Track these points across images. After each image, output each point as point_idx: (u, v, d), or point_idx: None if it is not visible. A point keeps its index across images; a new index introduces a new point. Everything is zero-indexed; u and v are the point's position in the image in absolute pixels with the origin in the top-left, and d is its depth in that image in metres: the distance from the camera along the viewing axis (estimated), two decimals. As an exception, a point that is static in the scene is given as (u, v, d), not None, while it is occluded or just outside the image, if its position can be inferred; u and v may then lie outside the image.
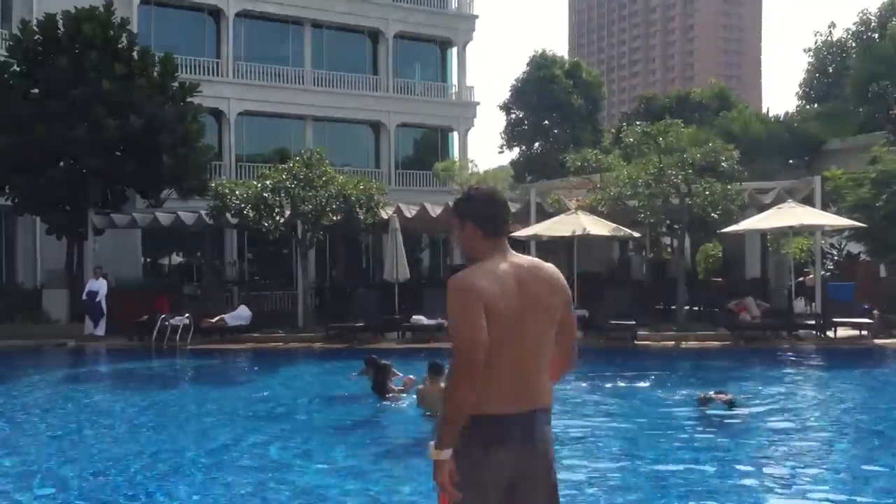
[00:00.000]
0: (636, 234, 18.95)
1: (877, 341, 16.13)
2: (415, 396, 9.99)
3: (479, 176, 33.32)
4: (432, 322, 17.69)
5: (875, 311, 16.82)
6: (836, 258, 23.57)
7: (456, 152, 35.42)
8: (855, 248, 22.92)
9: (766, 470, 7.24)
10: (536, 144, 43.71)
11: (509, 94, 44.74)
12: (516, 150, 45.12)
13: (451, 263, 30.56)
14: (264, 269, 28.56)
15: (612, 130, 42.32)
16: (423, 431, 8.99)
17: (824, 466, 7.54)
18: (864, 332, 16.63)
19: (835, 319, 16.87)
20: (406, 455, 8.14)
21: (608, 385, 12.02)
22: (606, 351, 16.09)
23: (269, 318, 20.62)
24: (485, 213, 3.35)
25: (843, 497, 6.47)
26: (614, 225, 18.10)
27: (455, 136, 35.85)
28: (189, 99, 22.47)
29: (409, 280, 19.59)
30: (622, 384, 12.19)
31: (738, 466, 7.39)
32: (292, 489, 6.91)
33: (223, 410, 10.88)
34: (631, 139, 18.38)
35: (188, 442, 8.89)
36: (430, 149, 35.71)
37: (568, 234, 17.39)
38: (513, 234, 19.33)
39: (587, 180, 18.77)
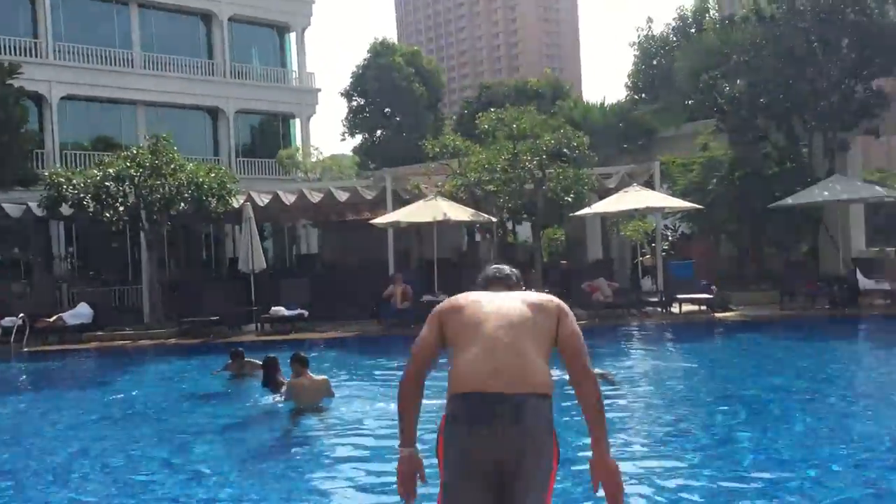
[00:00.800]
0: (494, 219, 19.31)
1: (716, 315, 17.29)
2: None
3: (324, 163, 32.91)
4: (293, 313, 17.27)
5: (713, 287, 18.03)
6: (670, 238, 25.08)
7: (298, 139, 34.67)
8: (686, 229, 24.51)
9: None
10: (379, 132, 43.60)
11: (350, 81, 44.33)
12: (359, 138, 44.81)
13: (298, 252, 30.02)
14: (97, 264, 26.80)
15: (454, 117, 42.93)
16: (296, 428, 8.73)
17: (694, 430, 8.07)
18: (704, 307, 17.79)
19: (678, 296, 17.95)
20: (280, 455, 7.66)
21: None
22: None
23: (111, 314, 19.39)
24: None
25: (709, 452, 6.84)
26: (473, 210, 18.35)
27: (297, 122, 35.07)
28: (8, 81, 20.63)
29: (266, 270, 19.02)
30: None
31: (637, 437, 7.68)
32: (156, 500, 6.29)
33: (74, 417, 10.00)
34: (486, 125, 18.68)
35: (30, 457, 7.92)
36: (271, 136, 34.73)
37: (429, 219, 17.45)
38: (371, 221, 19.27)
39: (446, 166, 18.90)
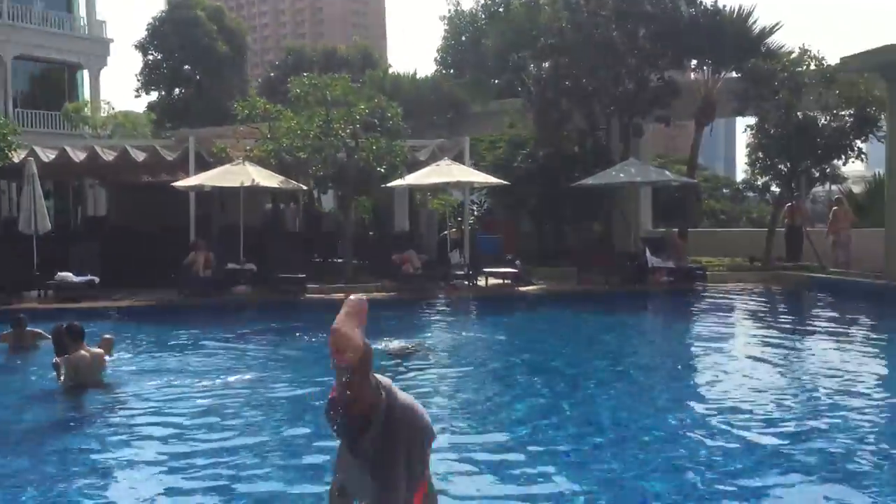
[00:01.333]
0: (304, 187, 18.77)
1: (520, 289, 17.87)
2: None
3: (115, 119, 30.65)
4: (82, 279, 15.94)
5: (518, 262, 18.61)
6: (475, 213, 25.62)
7: (87, 93, 32.05)
8: (491, 204, 25.15)
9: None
10: (178, 90, 41.17)
11: (146, 33, 41.43)
12: (154, 95, 42.12)
13: (84, 214, 27.82)
14: None
15: (259, 80, 41.44)
16: (76, 405, 8.06)
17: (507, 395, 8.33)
18: (509, 281, 18.33)
19: (485, 270, 18.36)
20: (59, 433, 7.06)
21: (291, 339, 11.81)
22: (278, 304, 15.85)
23: None
24: None
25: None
26: (282, 177, 17.74)
27: (85, 74, 32.42)
28: None
29: (49, 233, 17.37)
30: (308, 337, 12.08)
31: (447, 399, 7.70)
32: None
33: None
34: (298, 90, 18.05)
35: None
36: (55, 87, 31.87)
37: (237, 184, 16.66)
38: (174, 184, 18.12)
39: (255, 129, 18.07)
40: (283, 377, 9.32)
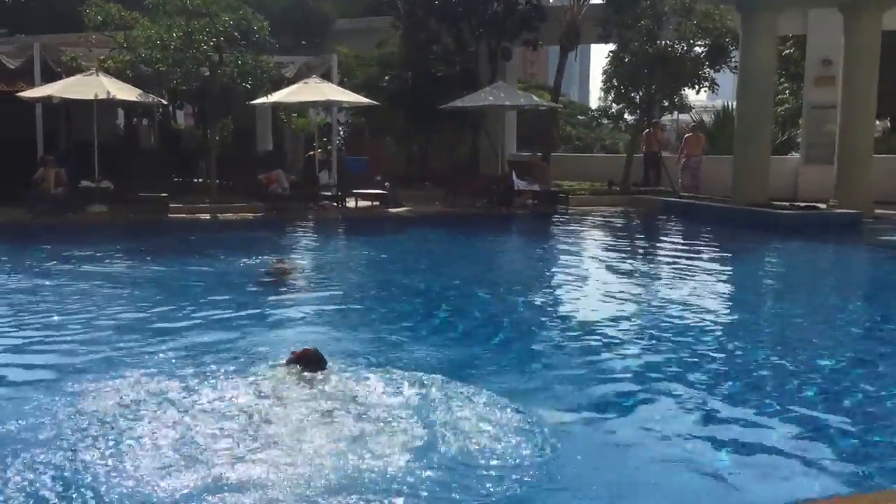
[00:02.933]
0: (164, 101, 17.83)
1: (390, 210, 17.89)
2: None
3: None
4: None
5: (387, 184, 18.58)
6: (342, 133, 25.22)
7: None
8: (359, 124, 24.79)
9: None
10: (13, -8, 37.65)
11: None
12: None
13: None
14: None
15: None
16: None
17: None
18: (378, 203, 18.30)
19: (354, 191, 18.23)
20: None
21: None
22: (140, 226, 15.19)
23: None
24: None
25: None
26: (140, 91, 16.77)
27: None
28: None
29: None
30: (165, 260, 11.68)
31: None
32: None
33: None
34: (155, -3, 16.91)
35: None
36: None
37: (90, 97, 15.63)
38: (20, 94, 16.77)
39: (110, 38, 16.86)
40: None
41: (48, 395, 5.20)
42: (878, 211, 16.62)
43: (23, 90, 16.99)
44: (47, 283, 9.39)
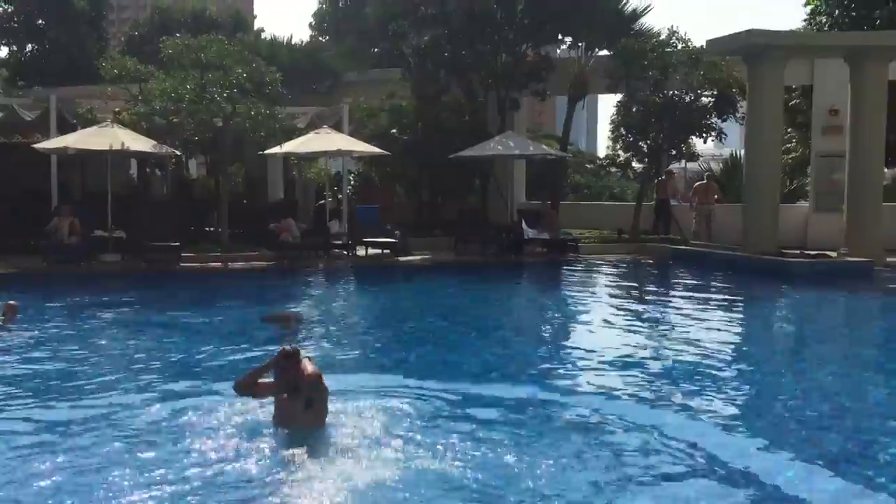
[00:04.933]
0: (177, 152, 18.05)
1: (400, 258, 17.93)
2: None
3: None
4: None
5: (397, 232, 18.66)
6: (353, 183, 25.42)
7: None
8: (370, 174, 24.99)
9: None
10: (29, 46, 38.40)
11: (-6, -17, 38.32)
12: (5, 50, 39.12)
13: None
14: None
15: (123, 38, 39.27)
16: None
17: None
18: (389, 251, 18.36)
19: (364, 240, 18.32)
20: None
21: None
22: (152, 276, 15.26)
23: None
24: None
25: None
26: (154, 141, 17.00)
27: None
28: None
29: None
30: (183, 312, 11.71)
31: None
32: None
33: None
34: (171, 51, 17.24)
35: None
36: None
37: (105, 147, 15.85)
38: (35, 145, 17.03)
39: (125, 90, 17.16)
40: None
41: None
42: (889, 259, 16.56)
43: (38, 141, 17.26)
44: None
